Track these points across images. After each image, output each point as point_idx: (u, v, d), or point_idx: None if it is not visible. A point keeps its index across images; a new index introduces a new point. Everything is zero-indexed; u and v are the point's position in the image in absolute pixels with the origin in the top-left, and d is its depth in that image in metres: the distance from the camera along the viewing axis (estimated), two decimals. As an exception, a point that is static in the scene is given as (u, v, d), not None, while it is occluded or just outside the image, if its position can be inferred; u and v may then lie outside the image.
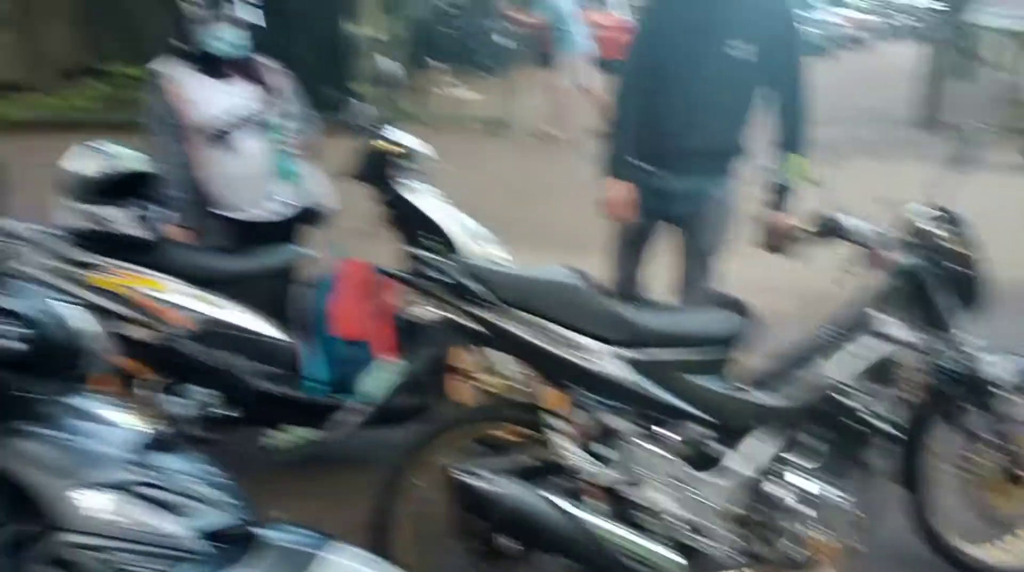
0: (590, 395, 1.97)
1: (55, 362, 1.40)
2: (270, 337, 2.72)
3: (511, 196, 6.47)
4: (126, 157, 2.59)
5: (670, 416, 2.01)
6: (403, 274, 2.11)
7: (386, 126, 3.00)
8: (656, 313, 2.09)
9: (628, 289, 3.05)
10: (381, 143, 2.94)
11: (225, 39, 2.82)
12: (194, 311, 2.58)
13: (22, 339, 1.33)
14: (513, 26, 11.06)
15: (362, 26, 9.04)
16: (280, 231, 2.99)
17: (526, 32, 10.54)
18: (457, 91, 10.50)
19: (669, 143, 2.86)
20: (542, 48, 9.45)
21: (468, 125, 9.26)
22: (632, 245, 3.07)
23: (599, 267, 2.85)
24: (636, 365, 1.96)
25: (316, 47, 8.38)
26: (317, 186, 3.13)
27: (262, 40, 2.95)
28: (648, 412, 1.99)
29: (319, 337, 2.77)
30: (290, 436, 2.77)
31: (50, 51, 9.80)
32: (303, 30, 8.30)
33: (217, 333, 2.62)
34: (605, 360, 1.94)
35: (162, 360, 2.55)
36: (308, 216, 3.11)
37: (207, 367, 2.58)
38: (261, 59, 2.97)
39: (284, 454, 2.78)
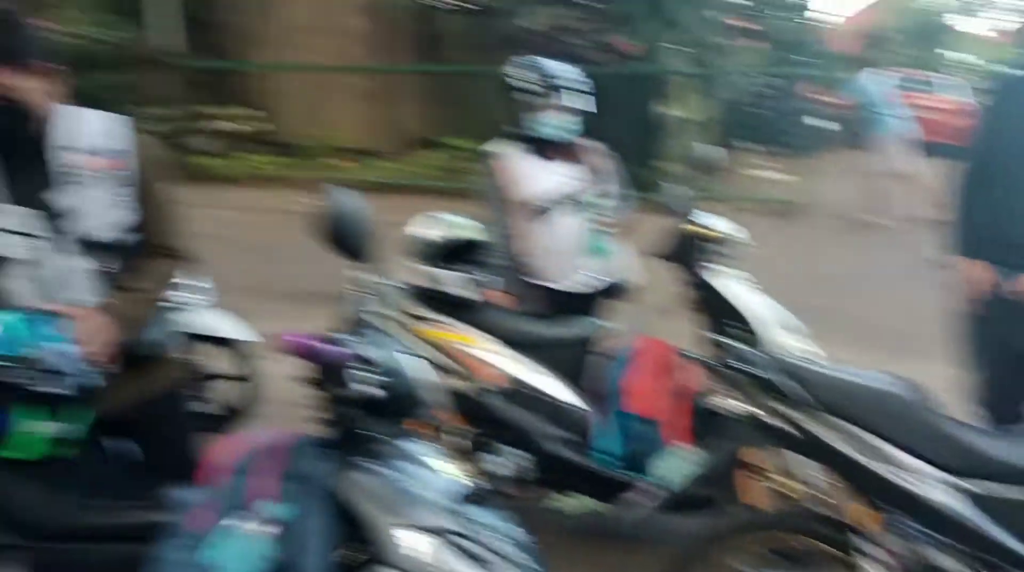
0: (910, 522, 1.77)
1: (398, 407, 1.57)
2: (567, 403, 2.82)
3: (821, 285, 6.04)
4: (462, 226, 2.88)
5: (1013, 565, 1.73)
6: (708, 360, 2.08)
7: (698, 209, 3.02)
8: (1008, 442, 1.83)
9: (1002, 411, 2.64)
10: (692, 226, 2.96)
11: (554, 125, 3.05)
12: (503, 370, 2.76)
13: (381, 386, 1.51)
14: (822, 107, 10.66)
15: (673, 107, 9.25)
16: (587, 302, 3.12)
17: (836, 114, 10.08)
18: (766, 173, 10.28)
19: None
20: (853, 130, 8.98)
21: (774, 207, 9.00)
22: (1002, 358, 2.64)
23: (928, 375, 2.58)
24: (976, 499, 1.73)
25: (628, 128, 8.71)
26: (625, 262, 3.23)
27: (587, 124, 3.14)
28: (984, 555, 1.74)
29: (612, 410, 2.82)
30: (576, 503, 2.82)
31: (400, 124, 11.25)
32: (616, 111, 8.68)
33: (520, 393, 2.78)
34: (935, 487, 1.74)
35: (470, 412, 2.75)
36: (614, 290, 3.21)
37: (508, 424, 2.74)
38: (584, 141, 3.15)
39: (569, 520, 2.84)
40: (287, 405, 3.59)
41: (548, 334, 2.91)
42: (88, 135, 1.82)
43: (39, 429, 1.60)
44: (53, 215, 1.76)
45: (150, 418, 1.95)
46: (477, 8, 11.52)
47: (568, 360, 2.88)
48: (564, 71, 3.07)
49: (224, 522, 1.50)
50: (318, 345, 1.54)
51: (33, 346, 1.59)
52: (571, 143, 3.12)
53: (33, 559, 1.67)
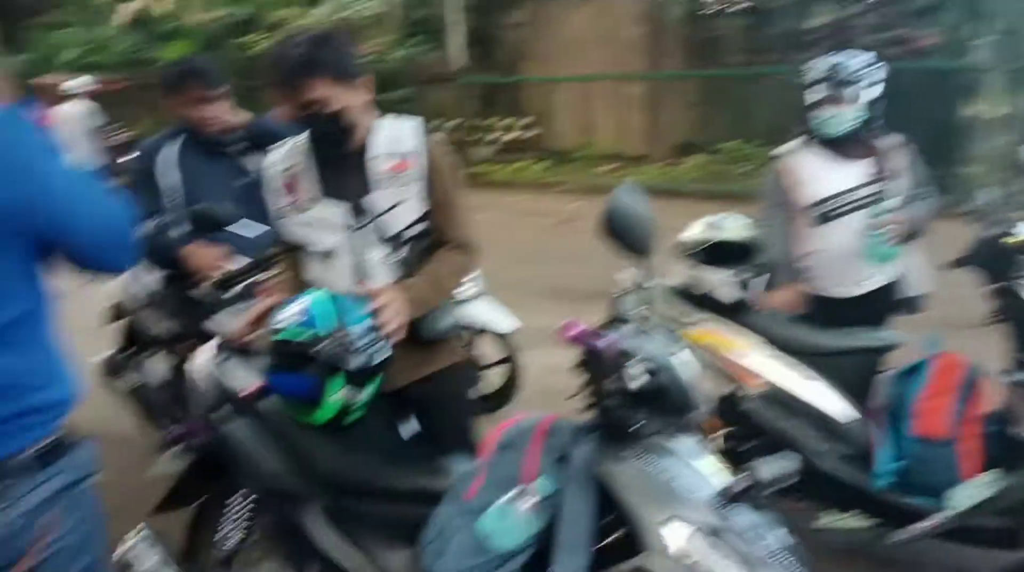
0: None
1: (669, 404, 1.56)
2: (845, 418, 2.62)
3: None
4: (733, 226, 2.79)
5: None
6: (1015, 380, 1.83)
7: (1017, 217, 2.67)
8: None
9: None
10: (1012, 237, 2.62)
11: (840, 119, 2.82)
12: (778, 379, 2.63)
13: (653, 381, 1.52)
14: None
15: (980, 105, 8.25)
16: (871, 311, 2.88)
17: None
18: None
19: None
20: None
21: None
22: None
23: None
24: None
25: (928, 128, 7.90)
26: (917, 269, 2.93)
27: (882, 118, 2.89)
28: None
29: (898, 429, 2.57)
30: (847, 523, 2.62)
31: (670, 129, 11.22)
32: (914, 111, 7.89)
33: (790, 403, 2.63)
34: None
35: (738, 419, 2.66)
36: (903, 300, 2.93)
37: (775, 433, 2.60)
38: (883, 137, 2.90)
39: (839, 539, 2.64)
40: (548, 394, 3.76)
41: (831, 344, 2.73)
42: (389, 139, 2.02)
43: (340, 396, 1.80)
44: (362, 211, 1.98)
45: (432, 394, 2.12)
46: (752, 10, 11.16)
47: (850, 372, 2.68)
48: (851, 61, 2.84)
49: (499, 498, 1.59)
50: (597, 334, 1.58)
51: (340, 323, 1.79)
52: (865, 139, 2.88)
53: (329, 510, 1.89)
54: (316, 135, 1.98)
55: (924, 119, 8.33)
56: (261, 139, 2.62)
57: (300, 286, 2.01)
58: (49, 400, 1.31)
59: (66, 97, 8.09)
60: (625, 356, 1.56)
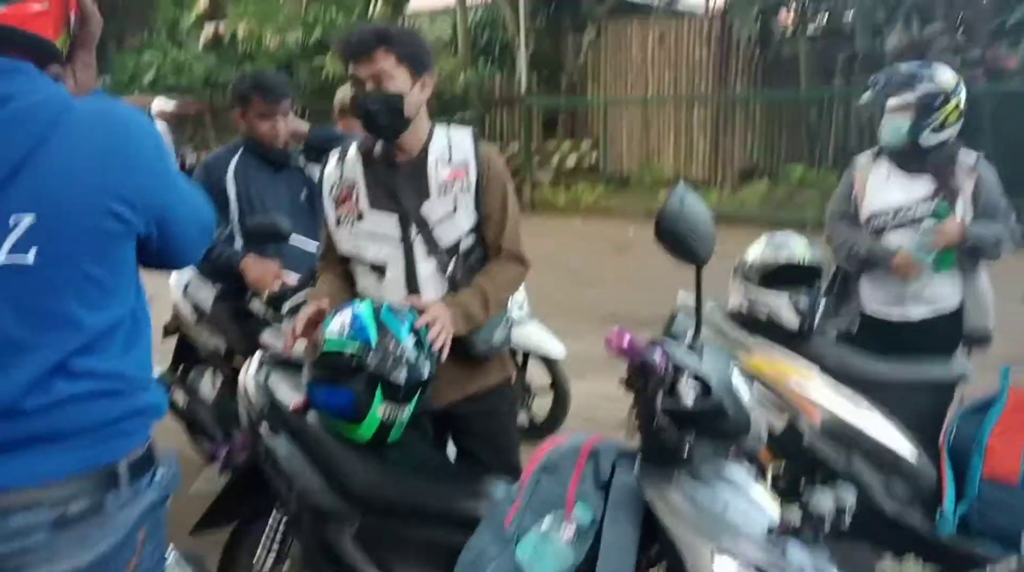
0: None
1: (724, 428, 1.48)
2: (908, 455, 2.48)
3: None
4: (796, 246, 2.68)
5: None
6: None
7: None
8: None
9: None
10: None
11: (899, 129, 2.72)
12: (834, 409, 2.50)
13: (706, 400, 1.44)
14: None
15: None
16: (931, 341, 2.72)
17: None
18: None
19: None
20: None
21: None
22: None
23: None
24: None
25: (1011, 151, 7.57)
26: (980, 299, 2.77)
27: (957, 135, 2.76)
28: None
29: (967, 470, 2.42)
30: (908, 568, 2.47)
31: (732, 154, 11.06)
32: (998, 132, 7.61)
33: (852, 437, 2.49)
34: None
35: (795, 451, 2.53)
36: (967, 333, 2.77)
37: (835, 469, 2.47)
38: (957, 154, 2.77)
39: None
40: (595, 423, 3.66)
41: (897, 376, 2.59)
42: (446, 147, 1.99)
43: (381, 413, 1.76)
44: (415, 221, 1.96)
45: (476, 414, 2.07)
46: (827, 31, 10.92)
47: (920, 408, 2.55)
48: (921, 70, 2.75)
49: (539, 525, 1.53)
50: (647, 348, 1.50)
51: (387, 335, 1.76)
52: (936, 154, 2.74)
53: (364, 532, 1.83)
54: (369, 113, 1.90)
55: (1007, 142, 8.02)
56: (324, 147, 2.66)
57: (346, 297, 1.99)
58: (149, 403, 1.28)
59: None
60: (678, 371, 1.48)
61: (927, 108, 2.67)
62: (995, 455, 2.38)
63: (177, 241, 1.30)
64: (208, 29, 12.64)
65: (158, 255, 1.30)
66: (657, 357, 1.46)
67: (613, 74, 12.00)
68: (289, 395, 1.93)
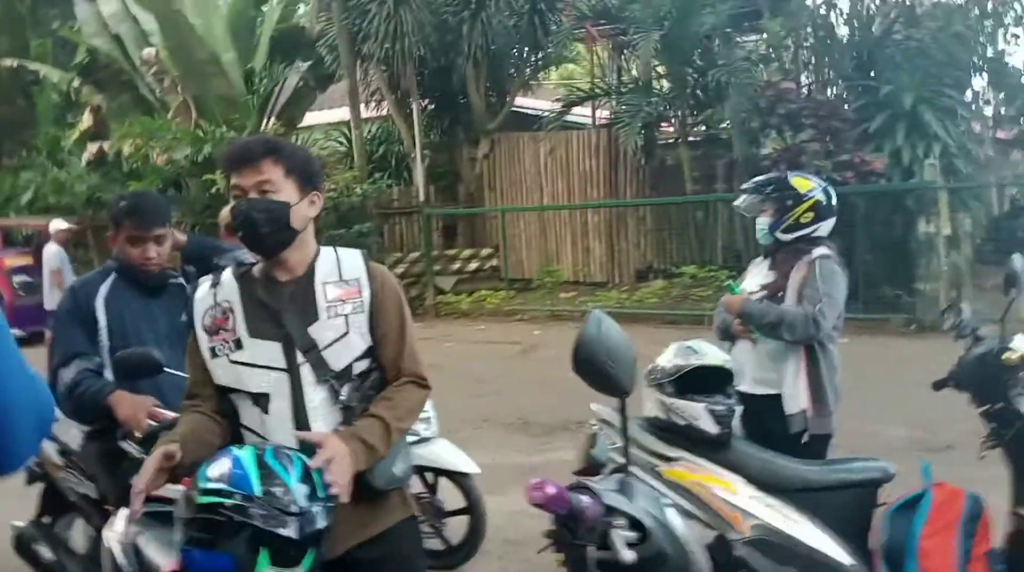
0: None
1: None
2: (838, 561, 2.38)
3: None
4: (708, 351, 2.62)
5: None
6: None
7: (1008, 333, 2.56)
8: None
9: None
10: (1009, 354, 2.49)
11: (758, 228, 3.00)
12: (768, 521, 2.39)
13: (645, 546, 1.29)
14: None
15: (930, 223, 8.42)
16: (769, 420, 2.76)
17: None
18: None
19: None
20: None
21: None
22: None
23: None
24: None
25: (882, 247, 8.05)
26: (792, 386, 2.80)
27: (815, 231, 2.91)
28: None
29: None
30: None
31: (627, 256, 11.48)
32: (867, 230, 8.11)
33: (786, 546, 2.38)
34: None
35: (724, 564, 2.39)
36: (791, 417, 2.77)
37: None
38: (817, 249, 2.87)
39: None
40: (514, 545, 3.44)
41: (821, 479, 2.53)
42: (334, 266, 1.84)
43: None
44: (302, 347, 1.77)
45: (379, 559, 1.83)
46: (707, 139, 11.60)
47: (843, 509, 2.47)
48: (780, 176, 3.07)
49: None
50: (573, 496, 1.35)
51: (273, 483, 1.54)
52: (797, 250, 2.89)
53: None
54: (249, 221, 1.74)
55: (876, 237, 8.55)
56: (201, 256, 2.53)
57: (210, 439, 1.76)
58: None
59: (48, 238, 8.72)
60: (610, 514, 1.33)
61: (781, 209, 2.91)
62: (929, 559, 2.31)
63: (5, 436, 0.98)
64: (92, 148, 12.25)
65: None
66: (585, 504, 1.31)
67: (509, 183, 12.37)
68: (161, 559, 1.65)
